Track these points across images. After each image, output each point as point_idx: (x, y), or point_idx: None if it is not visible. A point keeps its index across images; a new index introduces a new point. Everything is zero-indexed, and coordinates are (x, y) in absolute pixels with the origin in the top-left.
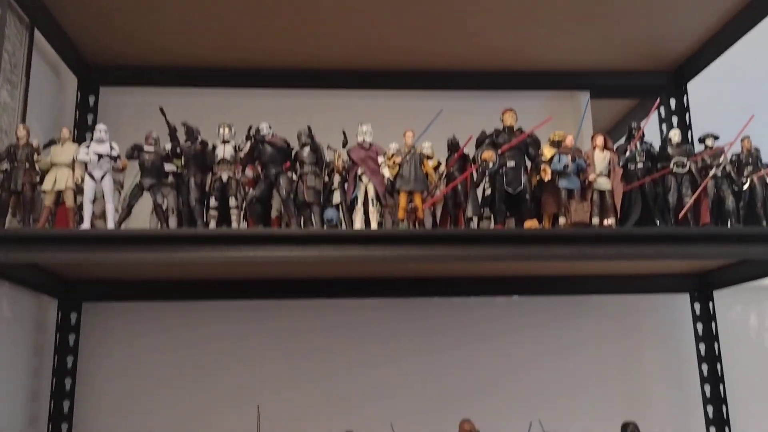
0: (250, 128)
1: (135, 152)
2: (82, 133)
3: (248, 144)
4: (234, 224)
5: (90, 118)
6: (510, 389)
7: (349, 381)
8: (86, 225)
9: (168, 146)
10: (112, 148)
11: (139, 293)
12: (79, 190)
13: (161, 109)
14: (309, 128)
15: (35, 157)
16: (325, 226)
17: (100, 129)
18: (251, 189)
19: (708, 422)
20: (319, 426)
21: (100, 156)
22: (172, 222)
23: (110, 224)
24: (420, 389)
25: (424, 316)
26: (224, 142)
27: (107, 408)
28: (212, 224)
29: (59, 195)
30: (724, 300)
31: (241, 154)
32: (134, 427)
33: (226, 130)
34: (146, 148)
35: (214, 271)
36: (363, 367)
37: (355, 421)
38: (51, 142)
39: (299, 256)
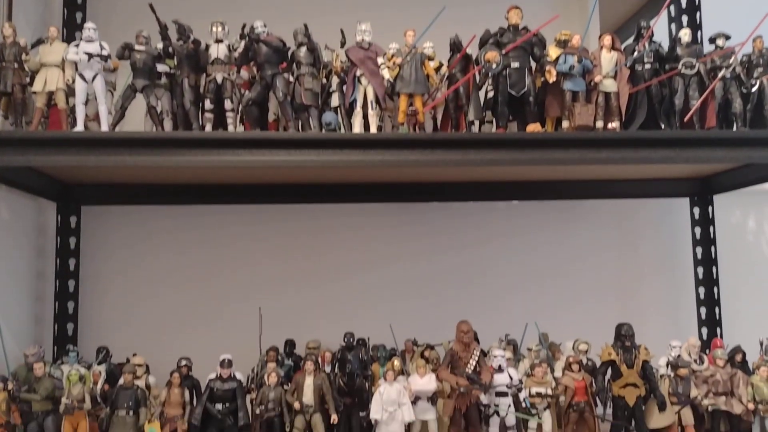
0: (243, 26)
1: (125, 52)
2: (71, 32)
3: (242, 43)
4: (230, 127)
5: (78, 16)
6: (508, 292)
7: (348, 284)
8: (80, 127)
9: (159, 46)
10: (102, 47)
11: (138, 197)
12: (70, 91)
13: (151, 6)
14: (305, 27)
15: (23, 56)
16: (323, 130)
17: (89, 27)
18: (247, 91)
19: (701, 323)
20: (319, 327)
21: (90, 56)
22: (167, 125)
23: (104, 127)
24: (418, 292)
25: (424, 220)
26: (218, 41)
27: (111, 308)
28: (208, 127)
29: (50, 96)
30: (723, 204)
31: (236, 54)
32: (137, 326)
33: (220, 28)
34: (137, 47)
35: (211, 175)
36: (362, 271)
37: (354, 323)
38: (39, 42)
39: (297, 160)
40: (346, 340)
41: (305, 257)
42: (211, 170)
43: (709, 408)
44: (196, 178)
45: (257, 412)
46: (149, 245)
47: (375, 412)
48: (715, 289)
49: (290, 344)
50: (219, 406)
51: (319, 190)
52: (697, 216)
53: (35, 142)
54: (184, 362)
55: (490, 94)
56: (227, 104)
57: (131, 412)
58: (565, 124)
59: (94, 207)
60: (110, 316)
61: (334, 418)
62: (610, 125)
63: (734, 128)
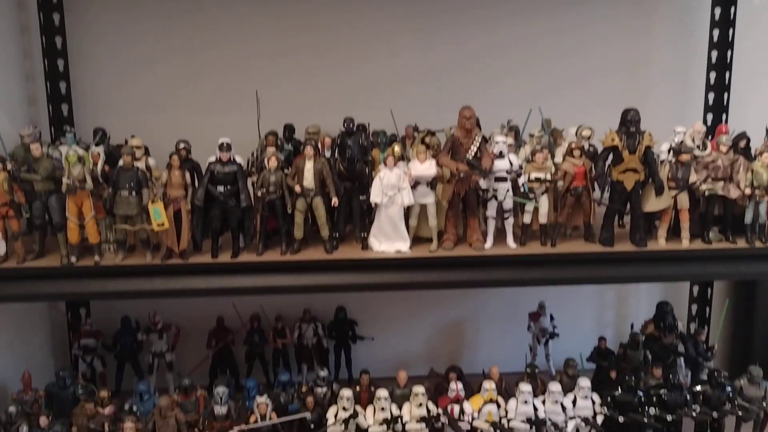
0: None
1: None
2: None
3: None
4: None
5: None
6: (512, 77)
7: (348, 69)
8: None
9: None
10: None
11: None
12: None
13: None
14: None
15: None
16: None
17: None
18: None
19: (707, 109)
20: (318, 112)
21: None
22: None
23: None
24: (421, 77)
25: (427, 2)
26: None
27: (105, 89)
28: None
29: None
30: None
31: None
32: (133, 109)
33: None
34: None
35: None
36: (362, 56)
37: (354, 109)
38: None
39: None
40: (345, 125)
41: (304, 41)
42: None
43: (706, 193)
44: None
45: (258, 194)
46: (140, 26)
47: (375, 195)
48: (727, 74)
49: (289, 129)
50: (220, 188)
51: None
52: None
53: None
54: (182, 145)
55: None
56: None
57: (134, 193)
58: None
59: None
60: (105, 97)
61: (334, 201)
62: None
63: None
